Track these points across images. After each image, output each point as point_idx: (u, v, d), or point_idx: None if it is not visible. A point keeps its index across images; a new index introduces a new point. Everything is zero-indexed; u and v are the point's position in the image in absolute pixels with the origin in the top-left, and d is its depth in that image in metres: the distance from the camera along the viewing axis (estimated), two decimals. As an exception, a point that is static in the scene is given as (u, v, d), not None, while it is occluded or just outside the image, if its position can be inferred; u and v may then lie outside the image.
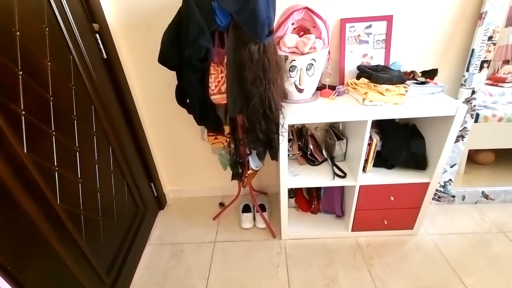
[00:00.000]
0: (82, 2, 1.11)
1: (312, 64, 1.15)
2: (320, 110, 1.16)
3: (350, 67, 1.33)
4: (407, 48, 1.33)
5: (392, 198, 1.32)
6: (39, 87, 0.83)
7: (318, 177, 1.35)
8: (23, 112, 0.76)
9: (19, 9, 0.78)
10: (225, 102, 1.09)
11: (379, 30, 1.27)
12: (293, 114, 1.14)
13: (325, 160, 1.44)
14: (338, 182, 1.32)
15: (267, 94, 1.02)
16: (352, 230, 1.46)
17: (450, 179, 1.57)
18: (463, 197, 1.62)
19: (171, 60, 1.06)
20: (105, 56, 1.23)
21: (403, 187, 1.29)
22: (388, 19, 1.25)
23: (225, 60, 1.03)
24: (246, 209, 1.63)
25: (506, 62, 1.79)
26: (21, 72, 0.77)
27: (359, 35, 1.29)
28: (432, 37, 1.31)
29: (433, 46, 1.33)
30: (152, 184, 1.67)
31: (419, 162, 1.29)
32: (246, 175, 1.35)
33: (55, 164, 0.86)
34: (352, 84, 1.23)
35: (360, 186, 1.29)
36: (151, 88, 1.48)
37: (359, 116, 1.12)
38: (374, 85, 1.13)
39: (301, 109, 1.17)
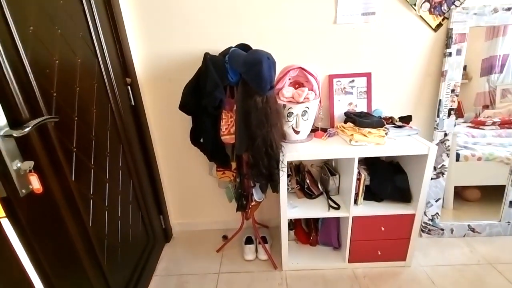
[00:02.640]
0: (120, 61, 1.39)
1: (306, 111, 1.38)
2: (314, 149, 1.36)
3: (339, 113, 1.57)
4: (385, 98, 1.58)
5: (382, 229, 1.45)
6: (86, 129, 1.04)
7: (315, 209, 1.49)
8: (75, 149, 0.95)
9: (80, 70, 1.03)
10: (233, 141, 1.29)
11: (360, 83, 1.54)
12: (291, 152, 1.33)
13: (321, 193, 1.60)
14: (333, 214, 1.45)
15: (269, 135, 1.23)
16: (349, 261, 1.54)
17: (437, 213, 1.71)
18: (452, 230, 1.74)
19: (189, 107, 1.30)
20: (133, 103, 1.47)
21: (392, 218, 1.43)
22: (368, 75, 1.53)
23: (234, 108, 1.26)
24: (249, 241, 1.73)
25: (486, 107, 2.04)
26: (76, 118, 0.98)
27: (344, 88, 1.55)
28: (405, 89, 1.58)
29: (407, 96, 1.59)
30: (161, 217, 1.79)
31: (404, 195, 1.45)
32: (250, 206, 1.49)
33: (91, 193, 1.03)
34: (340, 127, 1.45)
35: (353, 217, 1.43)
36: (166, 130, 1.70)
37: (347, 154, 1.31)
38: (358, 129, 1.35)
39: (298, 148, 1.37)
